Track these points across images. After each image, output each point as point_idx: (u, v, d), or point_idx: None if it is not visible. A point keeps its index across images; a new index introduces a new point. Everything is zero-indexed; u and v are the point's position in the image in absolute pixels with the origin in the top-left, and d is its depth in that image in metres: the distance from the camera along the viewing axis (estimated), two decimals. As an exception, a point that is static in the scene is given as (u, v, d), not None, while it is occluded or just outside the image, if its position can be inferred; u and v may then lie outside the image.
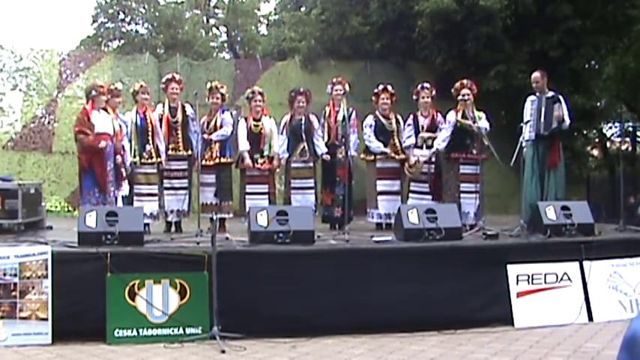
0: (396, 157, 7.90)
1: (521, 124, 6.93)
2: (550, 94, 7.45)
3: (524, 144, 6.85)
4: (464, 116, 7.61)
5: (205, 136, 7.40)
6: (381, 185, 7.94)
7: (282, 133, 7.81)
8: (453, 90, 7.77)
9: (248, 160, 7.48)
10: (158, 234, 6.94)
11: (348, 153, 7.57)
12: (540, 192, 7.26)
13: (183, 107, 7.63)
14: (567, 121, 7.37)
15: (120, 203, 7.04)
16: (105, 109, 7.02)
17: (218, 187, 7.49)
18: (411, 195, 7.94)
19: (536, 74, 7.53)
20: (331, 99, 8.08)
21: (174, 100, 7.62)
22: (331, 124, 7.92)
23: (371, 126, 7.98)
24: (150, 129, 7.35)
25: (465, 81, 7.81)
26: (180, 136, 7.53)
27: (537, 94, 7.47)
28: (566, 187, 7.83)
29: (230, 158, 7.65)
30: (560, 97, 7.43)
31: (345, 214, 7.38)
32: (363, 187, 8.38)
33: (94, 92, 6.93)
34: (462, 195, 7.59)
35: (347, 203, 7.31)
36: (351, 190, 7.84)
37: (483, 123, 7.62)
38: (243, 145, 7.53)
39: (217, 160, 7.48)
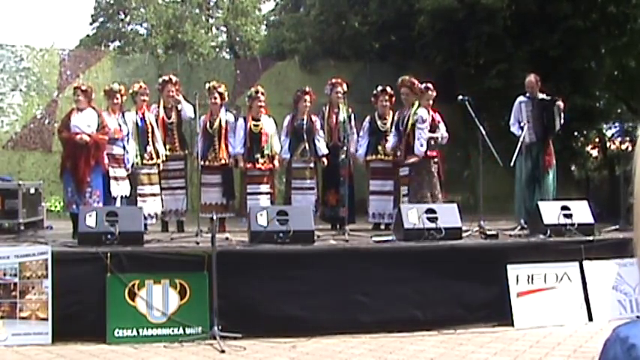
0: (385, 157, 7.81)
1: (522, 125, 6.93)
2: (541, 96, 7.46)
3: (523, 146, 6.86)
4: None
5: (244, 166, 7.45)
6: (373, 185, 7.94)
7: (285, 134, 7.80)
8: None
9: (241, 163, 7.50)
10: (158, 234, 6.94)
11: (348, 154, 7.54)
12: (534, 193, 7.28)
13: (177, 108, 7.65)
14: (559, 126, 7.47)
15: (119, 203, 6.98)
16: (93, 108, 6.92)
17: (225, 187, 7.52)
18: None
19: (531, 79, 7.55)
20: (330, 100, 8.04)
21: (169, 101, 7.64)
22: (332, 126, 7.90)
23: (364, 127, 7.96)
24: (150, 130, 7.37)
25: None
26: (176, 136, 7.60)
27: (528, 95, 7.48)
28: (566, 187, 7.86)
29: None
30: (560, 102, 7.44)
31: (350, 213, 7.38)
32: (363, 188, 8.37)
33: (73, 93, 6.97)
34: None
35: (349, 203, 7.29)
36: (353, 191, 7.82)
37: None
38: (238, 148, 7.54)
39: (224, 161, 7.50)
